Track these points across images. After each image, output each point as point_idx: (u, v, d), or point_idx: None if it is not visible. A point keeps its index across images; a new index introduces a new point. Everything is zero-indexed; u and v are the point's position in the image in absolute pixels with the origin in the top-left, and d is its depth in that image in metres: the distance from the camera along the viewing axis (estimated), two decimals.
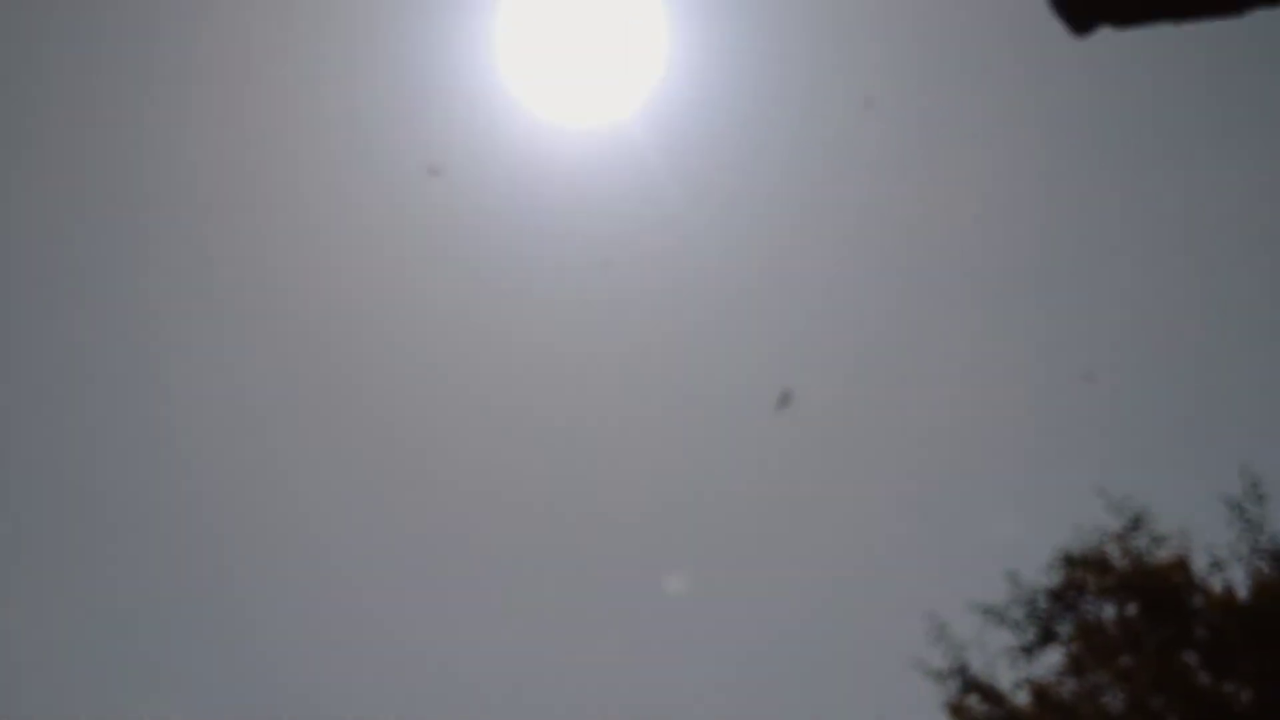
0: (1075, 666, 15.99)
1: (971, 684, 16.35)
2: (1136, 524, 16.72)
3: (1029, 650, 16.34)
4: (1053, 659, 16.35)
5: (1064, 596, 16.45)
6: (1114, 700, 15.77)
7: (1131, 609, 16.08)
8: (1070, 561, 16.61)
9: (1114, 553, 16.55)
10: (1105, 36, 3.35)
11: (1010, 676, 16.48)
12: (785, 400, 16.27)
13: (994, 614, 16.59)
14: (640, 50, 39.51)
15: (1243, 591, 15.74)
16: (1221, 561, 16.05)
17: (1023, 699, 16.36)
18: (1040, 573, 16.76)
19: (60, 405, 43.10)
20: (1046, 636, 16.32)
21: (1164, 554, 16.37)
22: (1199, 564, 16.21)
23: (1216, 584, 15.95)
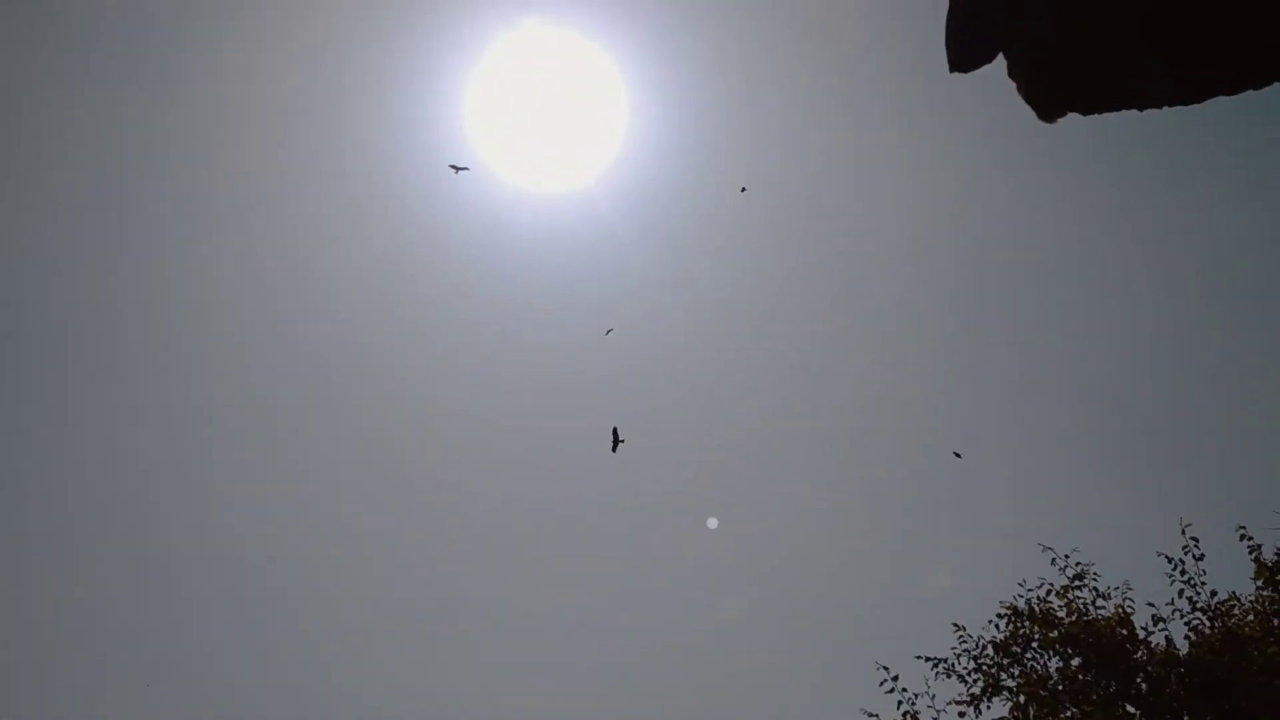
0: (1022, 717, 16.24)
1: None
2: (1080, 579, 17.10)
3: (976, 701, 16.57)
4: (1000, 710, 16.60)
5: (1010, 649, 16.72)
6: None
7: (1076, 662, 16.39)
8: (1016, 615, 16.91)
9: (1058, 607, 16.89)
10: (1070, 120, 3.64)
11: None
12: (616, 440, 16.95)
13: (942, 665, 16.83)
14: (602, 121, 40.13)
15: (1182, 646, 16.11)
16: (1162, 617, 16.44)
17: None
18: (987, 625, 17.06)
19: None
20: (994, 687, 16.57)
21: (1107, 609, 16.74)
22: (1140, 619, 16.60)
23: (1158, 639, 16.33)
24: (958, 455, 24.73)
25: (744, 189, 29.92)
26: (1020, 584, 17.24)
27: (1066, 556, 17.21)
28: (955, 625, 16.99)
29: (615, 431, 16.90)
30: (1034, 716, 16.07)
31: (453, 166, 21.86)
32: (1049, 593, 17.03)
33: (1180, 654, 15.93)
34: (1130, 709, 15.88)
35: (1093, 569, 17.16)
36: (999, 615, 17.00)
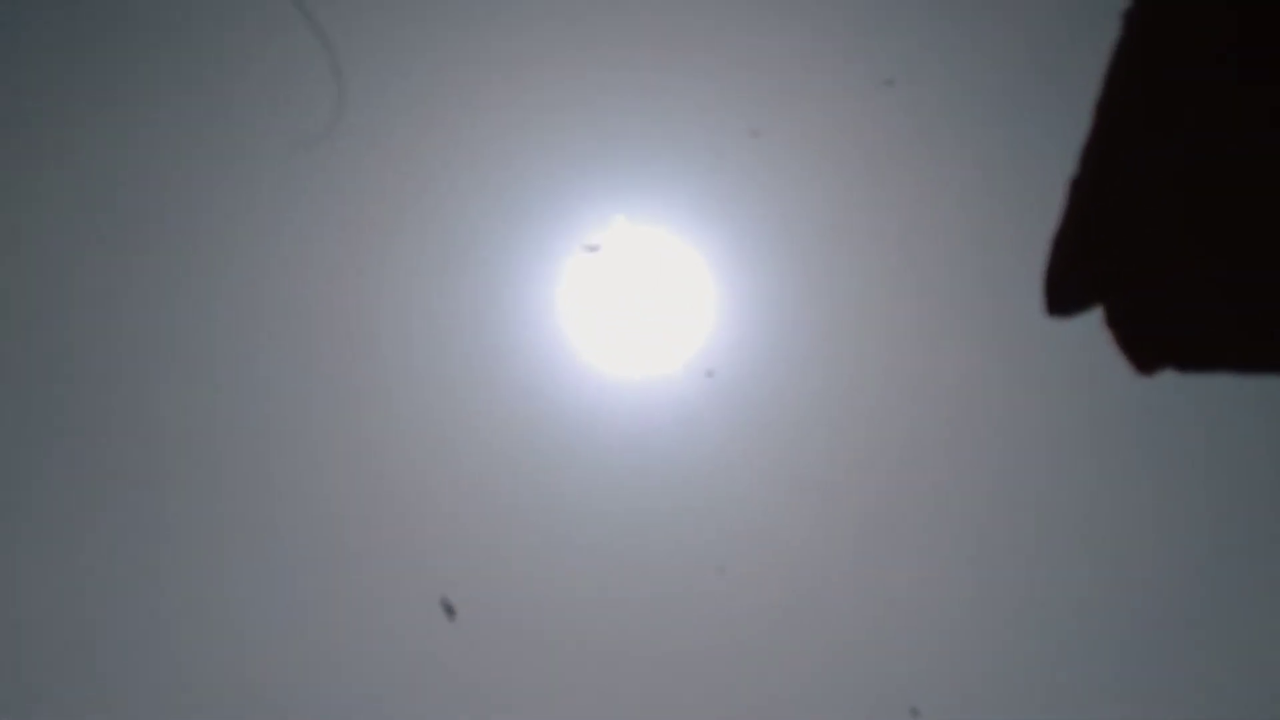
0: None
1: None
2: None
3: None
4: None
5: None
6: None
7: None
8: None
9: None
10: (1168, 378, 3.59)
11: None
12: (449, 610, 16.53)
13: None
14: (692, 304, 40.63)
15: None
16: None
17: None
18: None
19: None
20: None
21: None
22: None
23: None
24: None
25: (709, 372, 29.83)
26: None
27: None
28: None
29: (444, 602, 16.64)
30: None
31: (586, 247, 21.72)
32: None
33: None
34: None
35: None
36: None
